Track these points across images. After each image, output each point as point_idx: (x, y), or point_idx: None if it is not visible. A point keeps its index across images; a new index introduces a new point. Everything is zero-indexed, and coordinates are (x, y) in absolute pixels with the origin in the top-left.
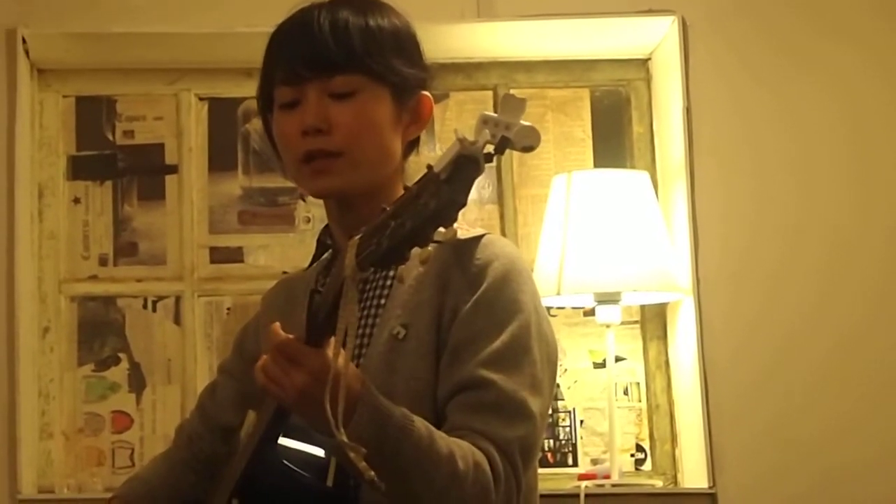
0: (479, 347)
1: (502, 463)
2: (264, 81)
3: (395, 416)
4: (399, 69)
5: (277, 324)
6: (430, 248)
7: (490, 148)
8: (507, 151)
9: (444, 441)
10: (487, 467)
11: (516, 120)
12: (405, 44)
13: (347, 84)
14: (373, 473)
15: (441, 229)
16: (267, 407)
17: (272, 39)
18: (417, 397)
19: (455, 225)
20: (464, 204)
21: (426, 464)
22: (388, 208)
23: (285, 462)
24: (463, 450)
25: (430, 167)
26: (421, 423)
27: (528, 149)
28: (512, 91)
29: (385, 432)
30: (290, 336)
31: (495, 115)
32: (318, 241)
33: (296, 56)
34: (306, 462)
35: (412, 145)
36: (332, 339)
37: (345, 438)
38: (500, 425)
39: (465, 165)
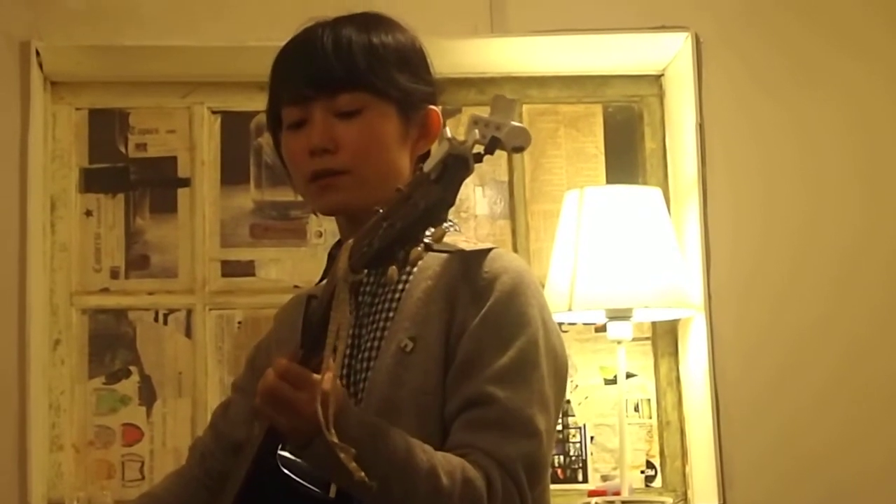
0: (486, 363)
1: (502, 479)
2: (271, 101)
3: (369, 429)
4: (403, 85)
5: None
6: (419, 248)
7: (480, 148)
8: (520, 167)
9: (427, 456)
10: (481, 484)
11: (507, 120)
12: (410, 59)
13: (352, 102)
14: (363, 474)
15: (430, 229)
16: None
17: (277, 60)
18: (425, 411)
19: (446, 225)
20: (452, 203)
21: (404, 480)
22: (381, 210)
23: (287, 473)
24: (452, 465)
25: (420, 167)
26: (399, 438)
27: (518, 149)
28: (523, 104)
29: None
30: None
31: (485, 115)
32: (330, 255)
33: (300, 76)
34: (307, 474)
35: (422, 160)
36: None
37: (335, 439)
38: (502, 442)
39: (453, 165)
